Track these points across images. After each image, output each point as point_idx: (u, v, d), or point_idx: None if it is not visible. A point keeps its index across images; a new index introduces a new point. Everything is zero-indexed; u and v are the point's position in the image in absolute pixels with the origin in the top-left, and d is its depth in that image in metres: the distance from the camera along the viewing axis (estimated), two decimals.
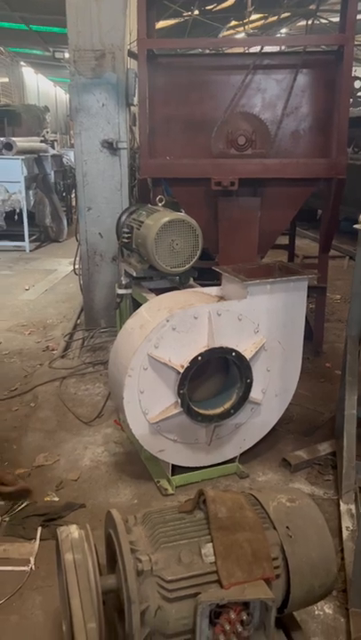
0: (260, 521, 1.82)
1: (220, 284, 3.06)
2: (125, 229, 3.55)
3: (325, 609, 2.22)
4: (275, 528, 1.83)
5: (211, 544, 1.73)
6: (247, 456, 3.18)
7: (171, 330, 2.67)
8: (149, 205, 3.71)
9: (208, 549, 1.72)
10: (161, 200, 3.61)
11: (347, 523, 2.63)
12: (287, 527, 1.83)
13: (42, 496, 2.81)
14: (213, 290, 3.07)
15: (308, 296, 5.70)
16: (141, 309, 2.97)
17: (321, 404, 3.82)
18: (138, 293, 3.41)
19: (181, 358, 2.69)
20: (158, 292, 3.24)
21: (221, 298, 2.97)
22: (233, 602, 1.65)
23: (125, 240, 3.50)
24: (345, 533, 2.56)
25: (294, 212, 4.36)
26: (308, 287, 5.00)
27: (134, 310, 3.16)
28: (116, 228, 3.82)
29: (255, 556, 1.72)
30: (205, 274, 3.55)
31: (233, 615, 1.65)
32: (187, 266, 3.21)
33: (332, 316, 5.51)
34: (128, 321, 2.93)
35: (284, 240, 5.79)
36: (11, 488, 2.70)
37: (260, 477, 3.05)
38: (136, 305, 3.41)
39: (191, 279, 3.39)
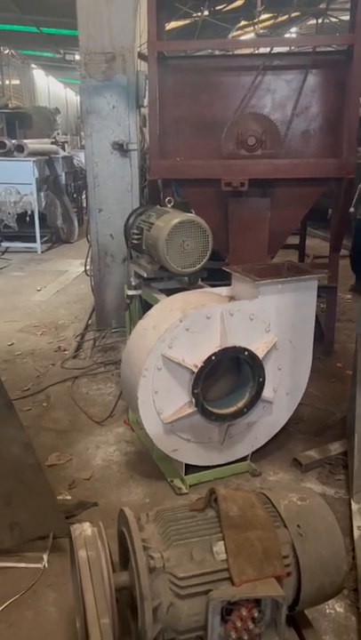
0: (272, 519, 1.84)
1: (229, 284, 3.07)
2: (135, 231, 3.58)
3: (337, 607, 2.22)
4: (286, 526, 1.84)
5: (222, 542, 1.75)
6: (258, 456, 3.19)
7: (184, 330, 2.69)
8: (158, 207, 3.73)
9: (219, 547, 1.74)
10: (170, 201, 3.63)
11: (358, 522, 2.64)
12: (298, 525, 1.85)
13: (55, 495, 2.84)
14: (223, 290, 3.09)
15: (318, 296, 5.70)
16: (153, 310, 3.00)
17: (332, 404, 3.82)
18: (148, 294, 3.44)
19: (195, 358, 2.71)
20: (168, 292, 3.27)
21: (232, 298, 3.00)
22: (244, 599, 1.67)
23: (135, 242, 3.54)
24: (356, 533, 2.57)
25: (304, 212, 4.36)
26: (319, 287, 5.00)
27: (144, 311, 3.19)
28: (125, 230, 3.85)
29: (266, 553, 1.73)
30: (216, 274, 3.57)
31: (244, 612, 1.67)
32: (197, 266, 3.23)
33: (343, 316, 5.50)
34: (140, 322, 2.96)
35: (295, 240, 5.79)
36: None
37: (271, 477, 3.06)
38: (145, 306, 3.43)
39: (199, 279, 3.42)
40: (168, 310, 2.85)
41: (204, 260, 3.24)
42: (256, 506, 1.85)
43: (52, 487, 2.90)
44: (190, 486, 2.93)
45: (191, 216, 3.23)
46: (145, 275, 3.41)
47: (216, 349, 2.73)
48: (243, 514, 1.81)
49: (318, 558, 1.83)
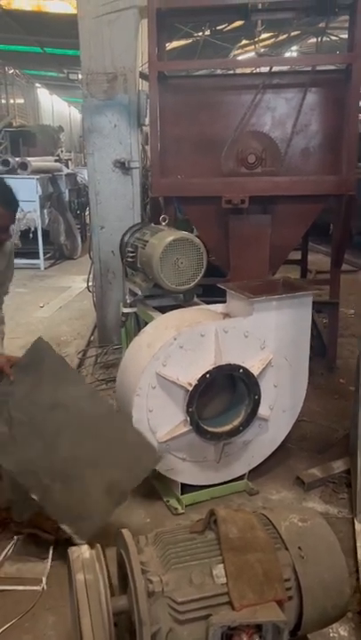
0: (272, 541, 1.81)
1: (225, 301, 3.08)
2: (130, 249, 3.61)
3: (340, 631, 2.18)
4: (287, 548, 1.82)
5: (222, 565, 1.73)
6: (260, 474, 3.16)
7: (178, 348, 2.69)
8: (153, 225, 3.76)
9: (219, 570, 1.72)
10: (165, 219, 3.66)
11: None
12: (299, 547, 1.82)
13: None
14: (218, 307, 3.09)
15: (320, 311, 5.70)
16: (148, 328, 3.00)
17: (335, 421, 3.79)
18: (143, 311, 3.44)
19: (189, 376, 2.70)
20: (163, 309, 3.27)
21: (227, 315, 2.99)
22: (245, 624, 1.64)
23: (130, 259, 3.56)
24: (360, 553, 2.52)
25: (305, 228, 4.37)
26: (321, 302, 5.01)
27: (139, 329, 3.19)
28: (120, 248, 3.88)
29: (267, 576, 1.71)
30: (215, 290, 3.58)
31: (245, 638, 1.64)
32: (192, 284, 3.25)
33: (345, 331, 5.48)
34: (135, 339, 2.96)
35: (297, 255, 5.80)
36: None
37: (273, 496, 3.03)
38: (142, 323, 3.44)
39: (195, 296, 3.42)
40: (163, 328, 2.85)
41: (198, 278, 3.26)
42: (256, 527, 1.83)
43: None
44: (187, 506, 2.90)
45: (185, 234, 3.25)
46: (140, 292, 3.42)
47: (211, 367, 2.72)
48: (243, 536, 1.79)
49: (320, 581, 1.80)
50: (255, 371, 2.81)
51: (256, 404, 2.85)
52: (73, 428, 2.50)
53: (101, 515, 2.43)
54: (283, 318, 2.89)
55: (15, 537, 2.66)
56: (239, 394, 2.92)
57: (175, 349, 2.68)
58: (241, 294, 2.84)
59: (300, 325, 2.98)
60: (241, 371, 2.77)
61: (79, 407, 2.54)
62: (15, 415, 2.50)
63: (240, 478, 3.06)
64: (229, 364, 2.75)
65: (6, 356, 2.68)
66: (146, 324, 3.18)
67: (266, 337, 2.86)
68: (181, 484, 2.90)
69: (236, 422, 2.86)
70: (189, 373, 2.70)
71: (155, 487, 3.06)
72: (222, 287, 3.05)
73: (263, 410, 2.91)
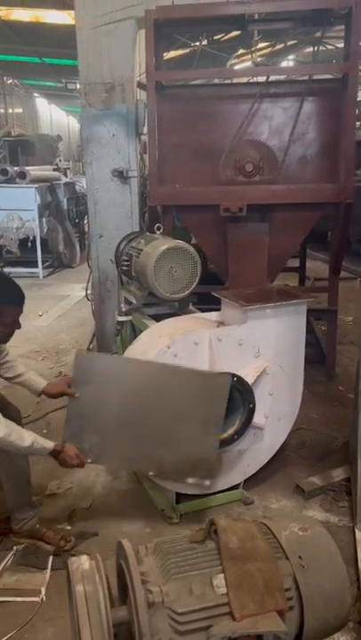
0: (273, 551, 1.80)
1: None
2: (125, 257, 3.62)
3: None
4: (287, 558, 1.81)
5: (222, 575, 1.71)
6: (260, 483, 3.15)
7: (172, 356, 2.69)
8: (148, 233, 3.77)
9: (220, 580, 1.71)
10: (159, 228, 3.67)
11: None
12: (300, 557, 1.81)
13: (54, 525, 2.80)
14: (213, 315, 3.10)
15: (319, 319, 5.70)
16: (142, 336, 3.00)
17: (334, 429, 3.79)
18: (138, 320, 3.45)
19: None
20: (158, 318, 3.28)
21: (221, 323, 3.00)
22: (245, 634, 1.63)
23: (125, 268, 3.57)
24: None
25: (303, 236, 4.39)
26: (320, 310, 5.01)
27: (136, 337, 3.19)
28: (115, 256, 3.88)
29: (267, 586, 1.69)
30: (213, 298, 3.59)
31: None
32: (186, 292, 3.26)
33: (344, 339, 5.48)
34: (129, 348, 2.97)
35: (295, 263, 5.81)
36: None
37: (273, 504, 3.02)
38: (138, 332, 3.44)
39: (190, 304, 3.43)
40: (156, 336, 2.85)
41: (193, 286, 3.27)
42: (257, 537, 1.82)
43: (51, 517, 2.88)
44: (181, 515, 2.89)
45: (179, 242, 3.27)
46: (134, 301, 3.43)
47: None
48: (243, 545, 1.78)
49: (321, 591, 1.79)
50: (250, 379, 2.82)
51: (251, 412, 2.86)
52: (150, 402, 2.62)
53: (211, 450, 2.66)
54: (277, 326, 2.90)
55: (15, 547, 2.65)
56: (234, 402, 2.91)
57: (169, 358, 2.69)
58: (235, 302, 2.85)
59: (294, 333, 2.99)
60: (235, 379, 2.77)
61: (146, 383, 2.63)
62: (96, 423, 2.62)
63: (236, 487, 3.04)
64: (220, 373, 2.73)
65: (62, 378, 2.81)
66: (141, 332, 3.19)
67: (260, 345, 2.86)
68: (176, 493, 2.89)
69: (230, 431, 2.86)
70: None
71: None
72: (217, 295, 3.05)
73: (258, 418, 2.91)
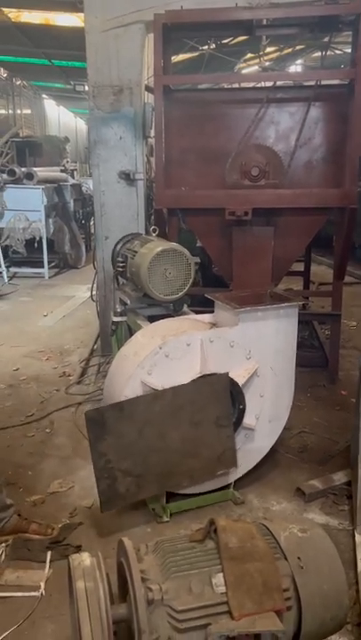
0: (272, 551, 1.82)
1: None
2: (120, 259, 3.65)
3: None
4: (286, 558, 1.82)
5: (221, 574, 1.73)
6: (261, 485, 3.17)
7: (164, 357, 2.72)
8: (144, 235, 3.80)
9: (219, 579, 1.73)
10: (155, 230, 3.71)
11: None
12: (298, 558, 1.83)
13: (56, 523, 2.83)
14: (206, 317, 3.13)
15: (323, 323, 5.71)
16: (136, 336, 3.04)
17: (336, 433, 3.79)
18: (133, 320, 3.48)
19: (175, 385, 2.72)
20: (153, 319, 3.31)
21: (214, 325, 3.03)
22: (243, 633, 1.65)
23: (120, 269, 3.60)
24: (360, 565, 2.52)
25: (308, 240, 4.41)
26: (324, 314, 5.02)
27: (130, 337, 3.22)
28: (112, 258, 3.91)
29: (266, 586, 1.71)
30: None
31: None
32: (180, 294, 3.29)
33: (348, 343, 5.49)
34: (122, 348, 3.01)
35: (300, 267, 5.83)
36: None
37: (274, 507, 3.03)
38: (133, 332, 3.48)
39: (185, 306, 3.45)
40: (149, 337, 2.89)
41: (187, 288, 3.30)
42: (256, 537, 1.84)
43: (53, 515, 2.91)
44: (172, 514, 2.90)
45: (173, 245, 3.30)
46: (129, 301, 3.46)
47: (196, 376, 2.75)
48: (242, 545, 1.79)
49: (319, 592, 1.80)
50: (240, 380, 2.85)
51: (241, 413, 2.89)
52: (167, 425, 2.72)
53: (230, 441, 2.87)
54: (268, 329, 2.93)
55: (4, 544, 2.66)
56: None
57: (160, 358, 2.72)
58: (227, 304, 2.88)
59: (286, 336, 3.01)
60: (228, 379, 2.80)
61: (157, 411, 2.70)
62: (125, 466, 2.68)
63: (226, 487, 3.06)
64: (214, 374, 2.78)
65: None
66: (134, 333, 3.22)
67: (251, 347, 2.90)
68: (167, 492, 2.90)
69: None
70: (174, 382, 2.72)
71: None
72: (210, 297, 3.08)
73: (249, 419, 2.95)
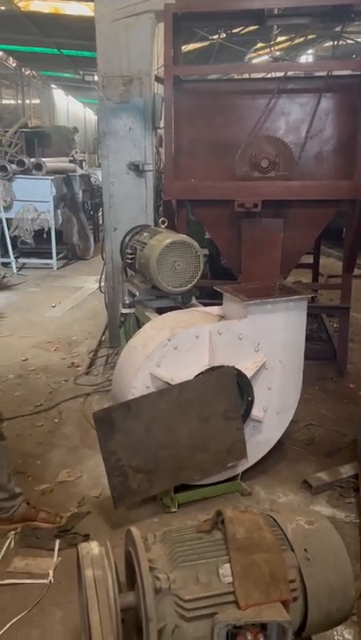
0: (279, 542, 1.83)
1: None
2: (129, 250, 3.65)
3: (345, 634, 2.20)
4: (293, 550, 1.84)
5: (228, 564, 1.75)
6: (268, 477, 3.18)
7: (172, 349, 2.73)
8: (153, 227, 3.80)
9: (226, 569, 1.74)
10: (164, 222, 3.70)
11: None
12: (305, 549, 1.84)
13: (65, 512, 2.86)
14: (215, 309, 3.13)
15: (331, 315, 5.68)
16: (144, 328, 3.05)
17: (344, 426, 3.80)
18: (141, 312, 3.48)
19: (183, 377, 2.74)
20: (161, 311, 3.31)
21: (223, 317, 3.03)
22: (250, 623, 1.67)
23: (129, 261, 3.60)
24: None
25: (317, 232, 4.39)
26: (332, 307, 5.00)
27: (138, 328, 3.23)
28: (120, 249, 3.91)
29: (273, 577, 1.73)
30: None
31: (250, 636, 1.66)
32: (188, 286, 3.29)
33: (356, 337, 5.47)
34: (131, 340, 3.01)
35: (309, 259, 5.80)
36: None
37: (280, 499, 3.04)
38: (142, 324, 3.48)
39: (193, 298, 3.45)
40: (158, 329, 2.90)
41: (195, 280, 3.30)
42: (263, 528, 1.85)
43: (62, 504, 2.94)
44: (180, 505, 2.92)
45: (183, 237, 3.29)
46: (137, 293, 3.46)
47: (204, 368, 2.76)
48: (250, 536, 1.81)
49: (326, 583, 1.81)
50: (249, 372, 2.85)
51: (249, 405, 2.90)
52: (176, 420, 2.73)
53: (239, 432, 2.87)
54: (277, 321, 2.93)
55: (13, 532, 2.70)
56: None
57: (169, 350, 2.73)
58: (236, 297, 2.88)
59: (294, 329, 3.01)
60: (235, 372, 2.81)
61: (165, 407, 2.71)
62: (136, 462, 2.70)
63: (234, 478, 3.08)
64: (223, 366, 2.79)
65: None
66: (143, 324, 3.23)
67: (260, 339, 2.90)
68: None
69: None
70: (183, 374, 2.74)
71: None
72: (219, 290, 3.08)
73: (257, 411, 2.95)
